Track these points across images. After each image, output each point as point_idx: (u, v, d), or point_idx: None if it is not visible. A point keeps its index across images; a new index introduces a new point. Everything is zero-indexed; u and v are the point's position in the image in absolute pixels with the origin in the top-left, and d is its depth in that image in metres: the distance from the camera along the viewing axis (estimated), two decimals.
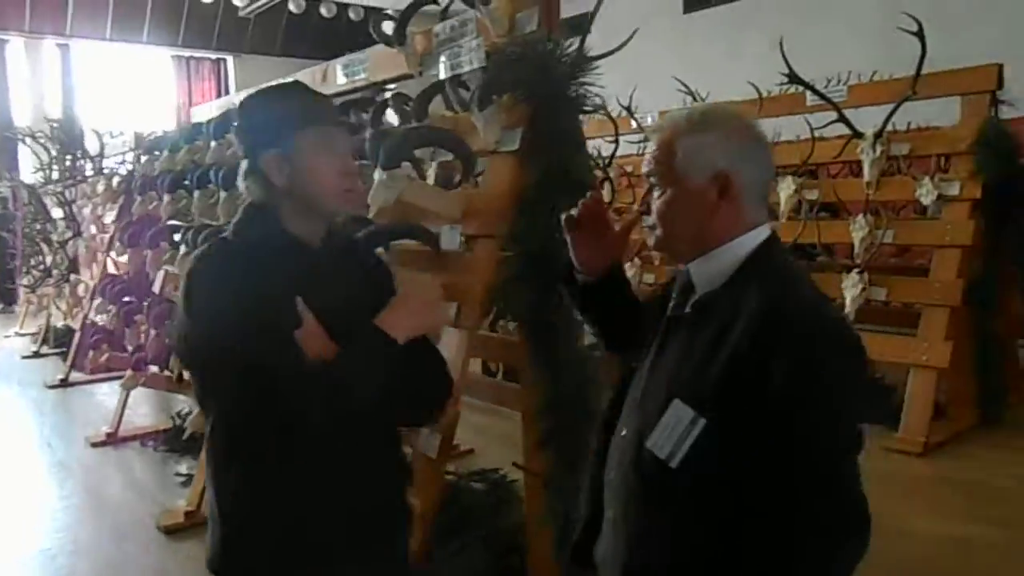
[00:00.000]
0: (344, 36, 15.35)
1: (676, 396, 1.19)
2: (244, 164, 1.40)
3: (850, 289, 4.88)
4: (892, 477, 4.15)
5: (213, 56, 15.01)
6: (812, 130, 5.29)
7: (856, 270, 4.87)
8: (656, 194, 1.28)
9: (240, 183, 1.40)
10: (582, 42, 2.81)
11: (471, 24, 2.91)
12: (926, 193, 4.79)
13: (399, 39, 3.08)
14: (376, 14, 3.85)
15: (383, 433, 1.48)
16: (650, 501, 1.23)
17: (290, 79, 1.56)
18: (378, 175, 2.54)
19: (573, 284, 1.54)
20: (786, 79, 5.16)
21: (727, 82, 6.42)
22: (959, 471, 4.17)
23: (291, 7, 13.85)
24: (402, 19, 3.01)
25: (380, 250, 2.54)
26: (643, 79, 7.38)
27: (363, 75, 3.62)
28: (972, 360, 4.81)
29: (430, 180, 3.01)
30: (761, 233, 1.25)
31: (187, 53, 14.60)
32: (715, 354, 1.16)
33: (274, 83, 1.50)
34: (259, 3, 13.83)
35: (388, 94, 3.49)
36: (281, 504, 1.35)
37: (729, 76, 6.79)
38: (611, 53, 2.72)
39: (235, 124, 1.42)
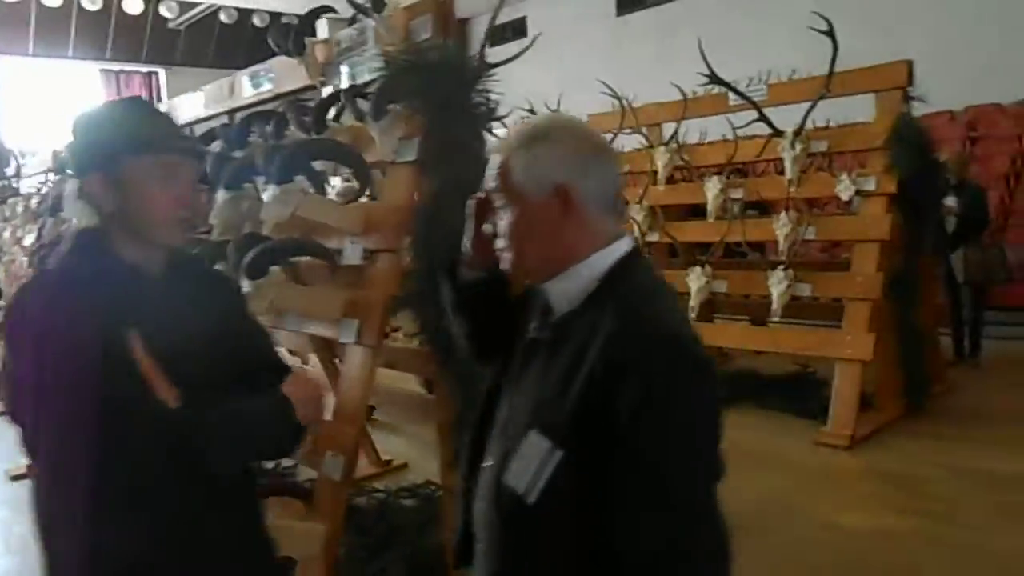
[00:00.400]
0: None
1: (533, 426, 1.13)
2: (74, 186, 1.32)
3: (776, 286, 4.93)
4: (819, 471, 4.20)
5: (144, 69, 14.67)
6: (734, 130, 5.34)
7: (781, 267, 4.92)
8: (501, 215, 1.21)
9: (69, 207, 1.32)
10: (482, 49, 2.76)
11: (370, 32, 2.85)
12: (844, 189, 4.86)
13: (297, 48, 3.01)
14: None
15: (240, 479, 1.43)
16: (509, 538, 1.17)
17: (128, 97, 1.46)
18: (272, 190, 2.47)
19: (455, 278, 1.44)
20: (707, 80, 5.21)
21: (660, 83, 6.41)
22: (884, 463, 4.23)
23: (222, 17, 13.60)
24: (298, 29, 2.93)
25: (276, 267, 2.46)
26: (577, 81, 7.41)
27: (268, 86, 3.53)
28: (895, 352, 4.89)
29: None
30: (619, 248, 1.19)
31: (116, 67, 14.25)
32: (571, 379, 1.10)
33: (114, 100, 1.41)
34: (189, 14, 13.56)
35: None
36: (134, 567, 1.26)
37: (663, 77, 6.77)
38: (508, 61, 2.67)
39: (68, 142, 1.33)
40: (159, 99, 14.72)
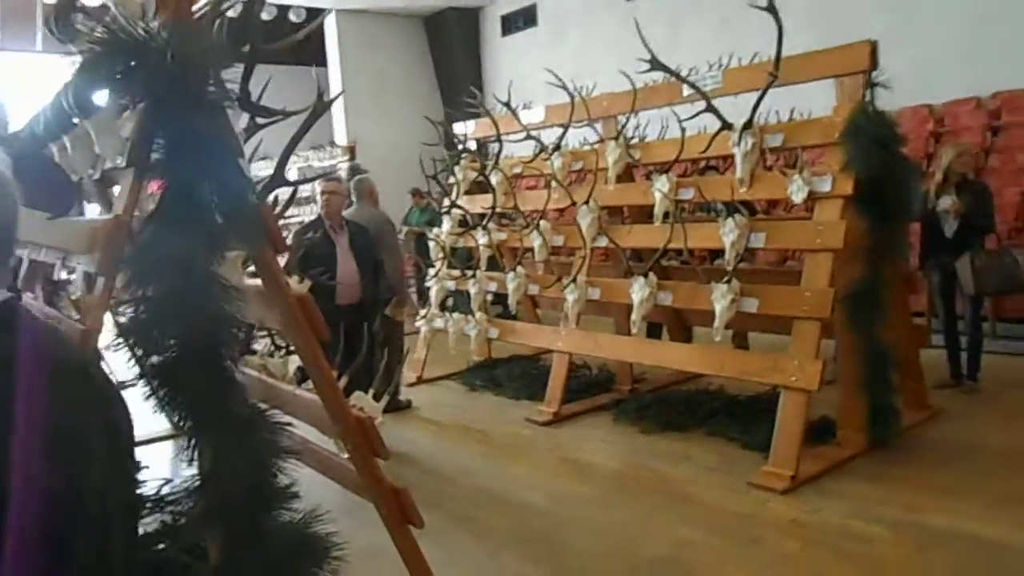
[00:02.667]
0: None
1: None
2: None
3: (719, 300, 4.33)
4: (740, 521, 3.60)
5: None
6: (680, 122, 4.74)
7: (725, 280, 4.32)
8: None
9: None
10: (244, 31, 2.30)
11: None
12: (797, 190, 4.23)
13: (68, 37, 2.58)
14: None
15: None
16: None
17: None
18: None
19: None
20: (648, 66, 4.62)
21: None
22: (820, 513, 3.59)
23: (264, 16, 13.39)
24: (57, 14, 2.50)
25: None
26: (589, 70, 6.84)
27: None
28: (857, 376, 4.24)
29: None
30: None
31: None
32: None
33: None
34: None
35: None
36: None
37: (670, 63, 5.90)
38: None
39: None
40: None
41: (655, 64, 4.60)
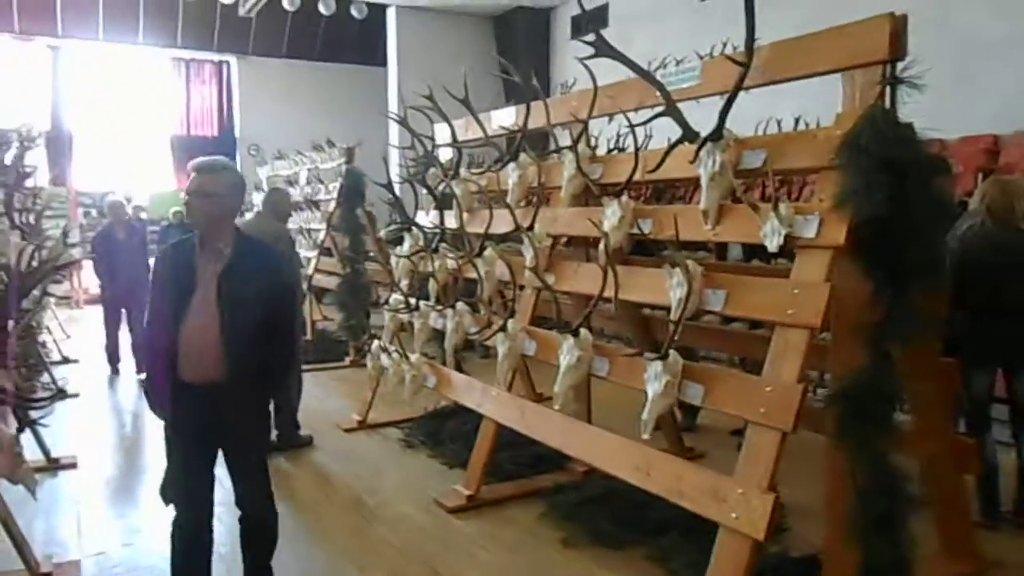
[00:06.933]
0: (351, 35, 14.30)
1: None
2: None
3: (652, 383, 3.05)
4: None
5: (216, 58, 14.28)
6: (634, 131, 3.47)
7: (659, 355, 3.03)
8: None
9: None
10: None
11: None
12: (771, 232, 2.90)
13: None
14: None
15: None
16: None
17: None
18: None
19: None
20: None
21: None
22: None
23: (285, 4, 12.89)
24: None
25: None
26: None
27: None
28: (850, 511, 2.85)
29: None
30: None
31: (187, 55, 13.94)
32: None
33: None
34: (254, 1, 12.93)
35: None
36: None
37: None
38: None
39: None
40: (229, 89, 14.31)
41: (601, 48, 3.37)
